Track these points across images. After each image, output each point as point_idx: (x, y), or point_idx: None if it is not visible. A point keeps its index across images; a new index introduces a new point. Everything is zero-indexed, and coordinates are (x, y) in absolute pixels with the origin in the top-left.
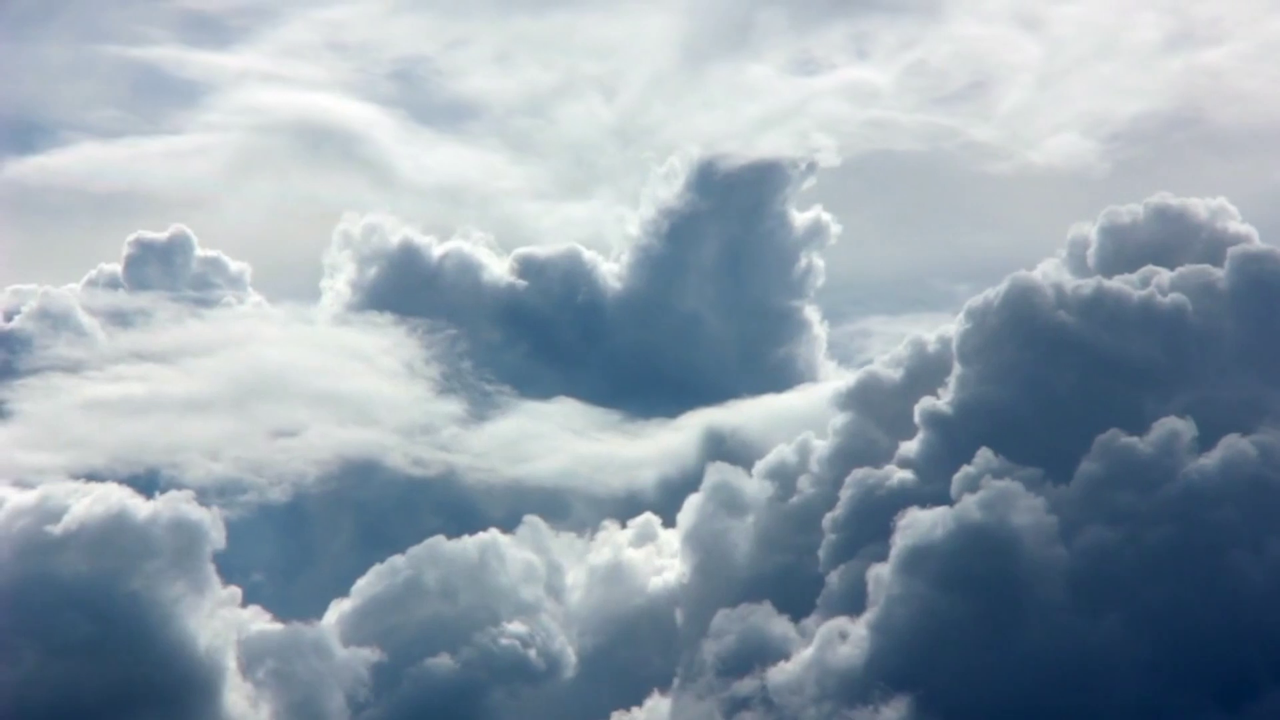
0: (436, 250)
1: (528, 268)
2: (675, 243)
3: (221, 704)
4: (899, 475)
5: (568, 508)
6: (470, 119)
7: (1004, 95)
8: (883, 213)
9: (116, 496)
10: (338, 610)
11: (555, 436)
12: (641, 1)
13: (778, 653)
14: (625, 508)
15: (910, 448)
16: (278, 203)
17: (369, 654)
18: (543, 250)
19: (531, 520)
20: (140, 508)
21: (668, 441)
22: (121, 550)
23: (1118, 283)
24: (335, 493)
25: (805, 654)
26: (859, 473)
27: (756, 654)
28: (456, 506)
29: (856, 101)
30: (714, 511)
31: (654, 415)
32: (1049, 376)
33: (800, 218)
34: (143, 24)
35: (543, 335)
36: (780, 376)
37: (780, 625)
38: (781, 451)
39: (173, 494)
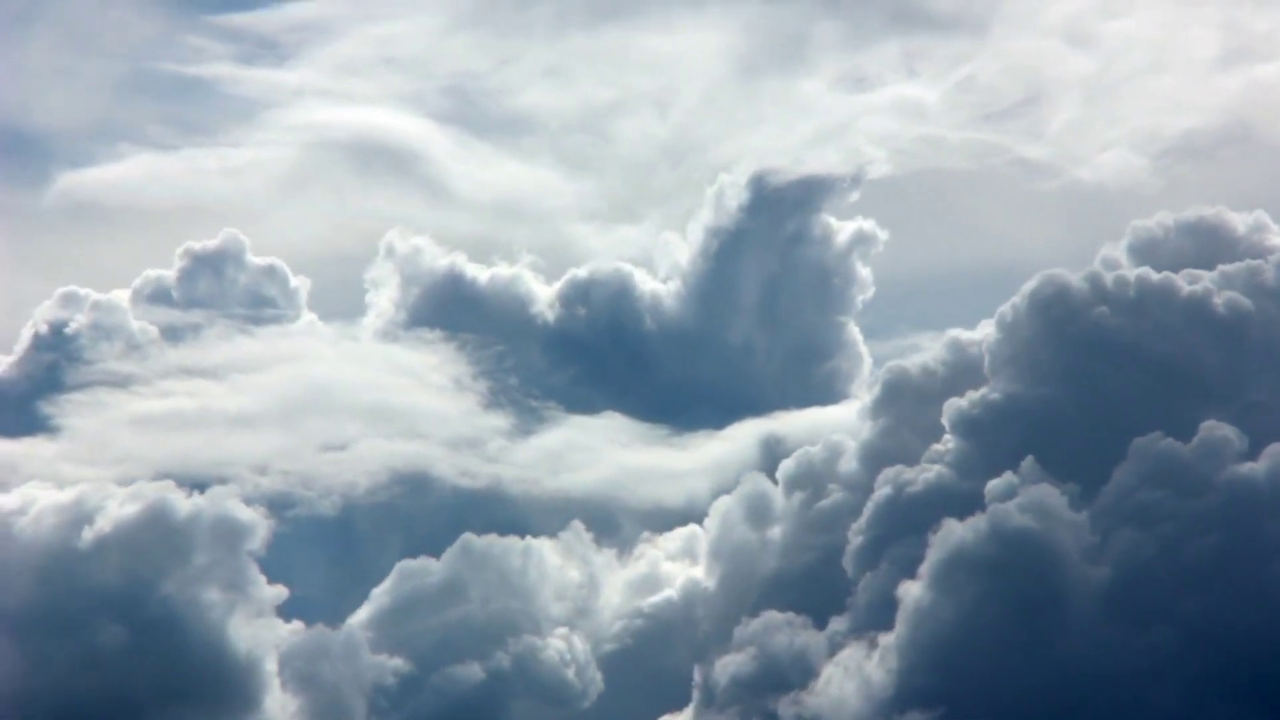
0: (483, 276)
1: (576, 288)
2: (723, 260)
3: (262, 709)
4: (933, 470)
5: (614, 518)
6: (525, 135)
7: (1054, 112)
8: (931, 230)
9: (157, 492)
10: (361, 614)
11: (602, 449)
12: (696, 17)
13: (801, 666)
14: (672, 518)
15: (942, 449)
16: (331, 218)
17: (398, 662)
18: (591, 270)
19: (575, 527)
20: (182, 505)
21: (715, 452)
22: (161, 548)
23: (1163, 276)
24: (384, 504)
25: (827, 673)
26: (890, 471)
27: (778, 669)
28: (504, 517)
29: (906, 118)
30: (740, 520)
31: (701, 428)
32: (1086, 376)
33: (847, 231)
34: (199, 41)
35: (590, 354)
36: (828, 392)
37: (804, 636)
38: (809, 452)
39: (217, 490)
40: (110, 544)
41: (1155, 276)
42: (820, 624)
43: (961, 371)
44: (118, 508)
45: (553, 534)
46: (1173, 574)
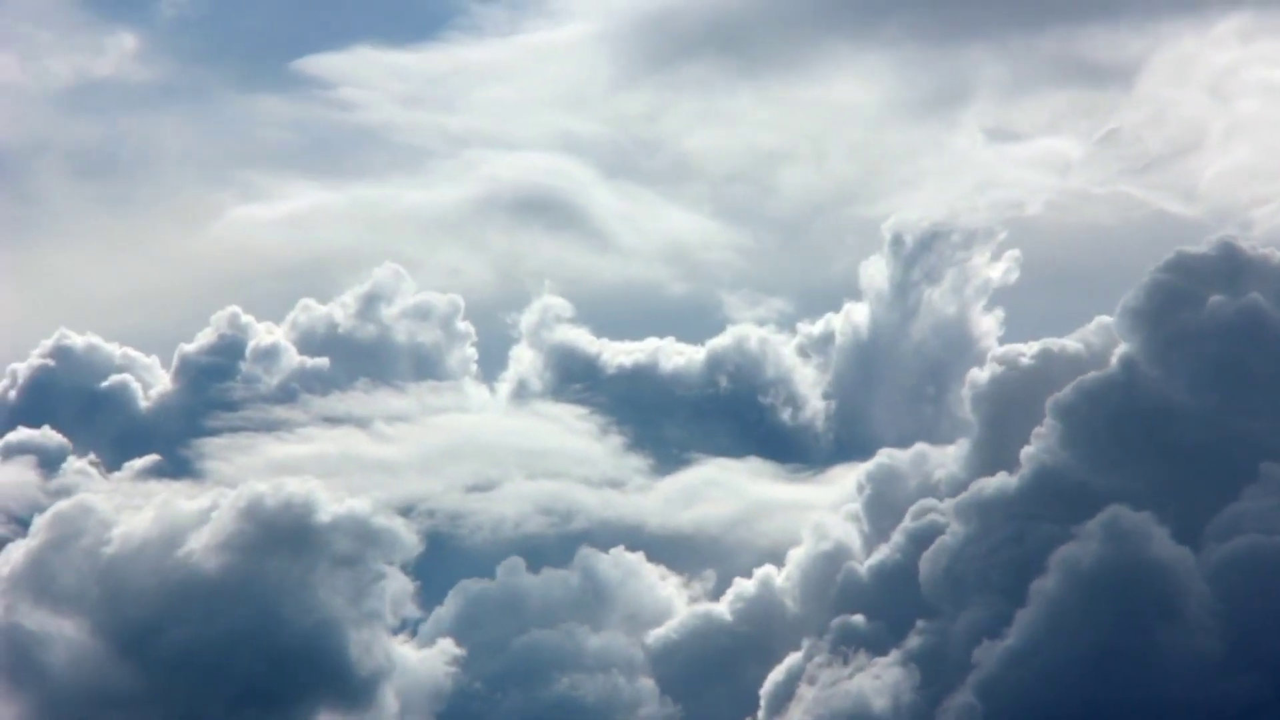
0: (628, 357)
1: (722, 354)
2: (869, 321)
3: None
4: (1024, 479)
5: (750, 550)
6: (686, 182)
7: (1204, 165)
8: (1070, 285)
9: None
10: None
11: (742, 485)
12: (855, 67)
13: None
14: None
15: (1035, 456)
16: (491, 264)
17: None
18: (738, 337)
19: (706, 575)
20: (327, 505)
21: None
22: (298, 543)
23: None
24: (526, 539)
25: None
26: (990, 481)
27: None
28: (645, 550)
29: (1051, 171)
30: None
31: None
32: (1208, 386)
33: (986, 279)
34: (366, 73)
35: (734, 416)
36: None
37: (881, 676)
38: (893, 455)
39: (366, 499)
40: (244, 536)
41: None
42: (891, 646)
43: (1063, 371)
44: (261, 503)
45: (691, 566)
46: None
